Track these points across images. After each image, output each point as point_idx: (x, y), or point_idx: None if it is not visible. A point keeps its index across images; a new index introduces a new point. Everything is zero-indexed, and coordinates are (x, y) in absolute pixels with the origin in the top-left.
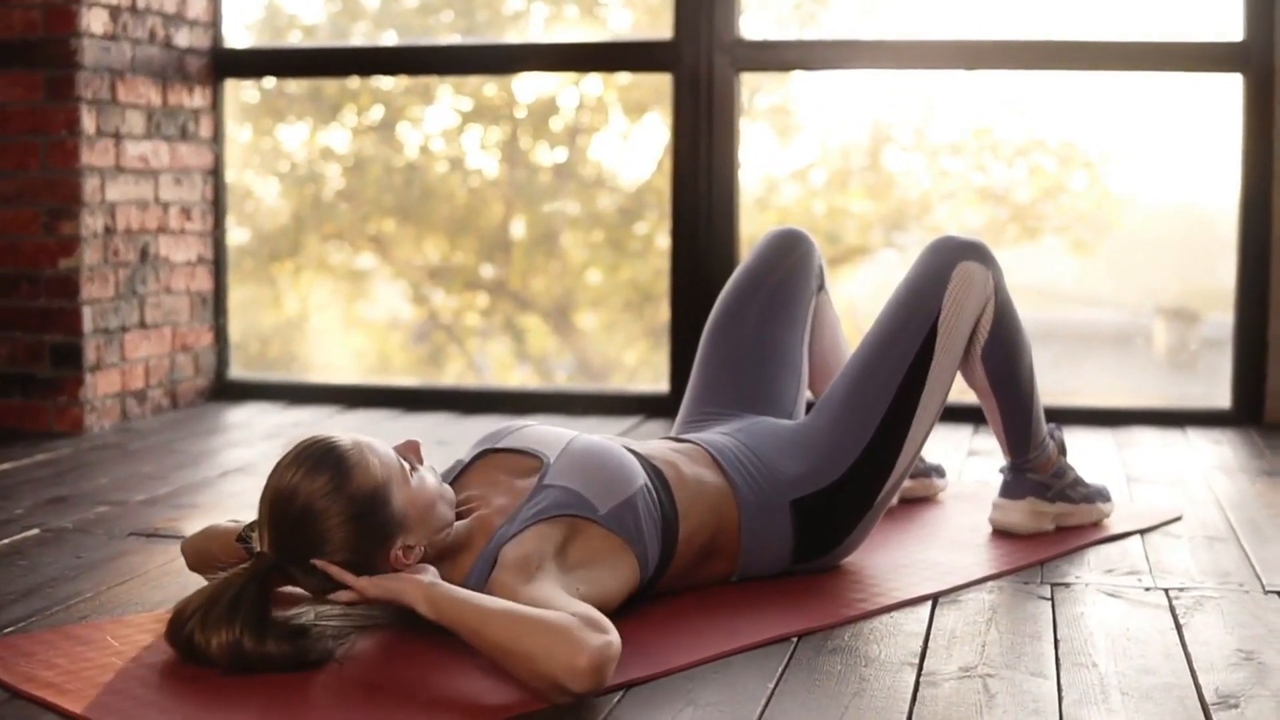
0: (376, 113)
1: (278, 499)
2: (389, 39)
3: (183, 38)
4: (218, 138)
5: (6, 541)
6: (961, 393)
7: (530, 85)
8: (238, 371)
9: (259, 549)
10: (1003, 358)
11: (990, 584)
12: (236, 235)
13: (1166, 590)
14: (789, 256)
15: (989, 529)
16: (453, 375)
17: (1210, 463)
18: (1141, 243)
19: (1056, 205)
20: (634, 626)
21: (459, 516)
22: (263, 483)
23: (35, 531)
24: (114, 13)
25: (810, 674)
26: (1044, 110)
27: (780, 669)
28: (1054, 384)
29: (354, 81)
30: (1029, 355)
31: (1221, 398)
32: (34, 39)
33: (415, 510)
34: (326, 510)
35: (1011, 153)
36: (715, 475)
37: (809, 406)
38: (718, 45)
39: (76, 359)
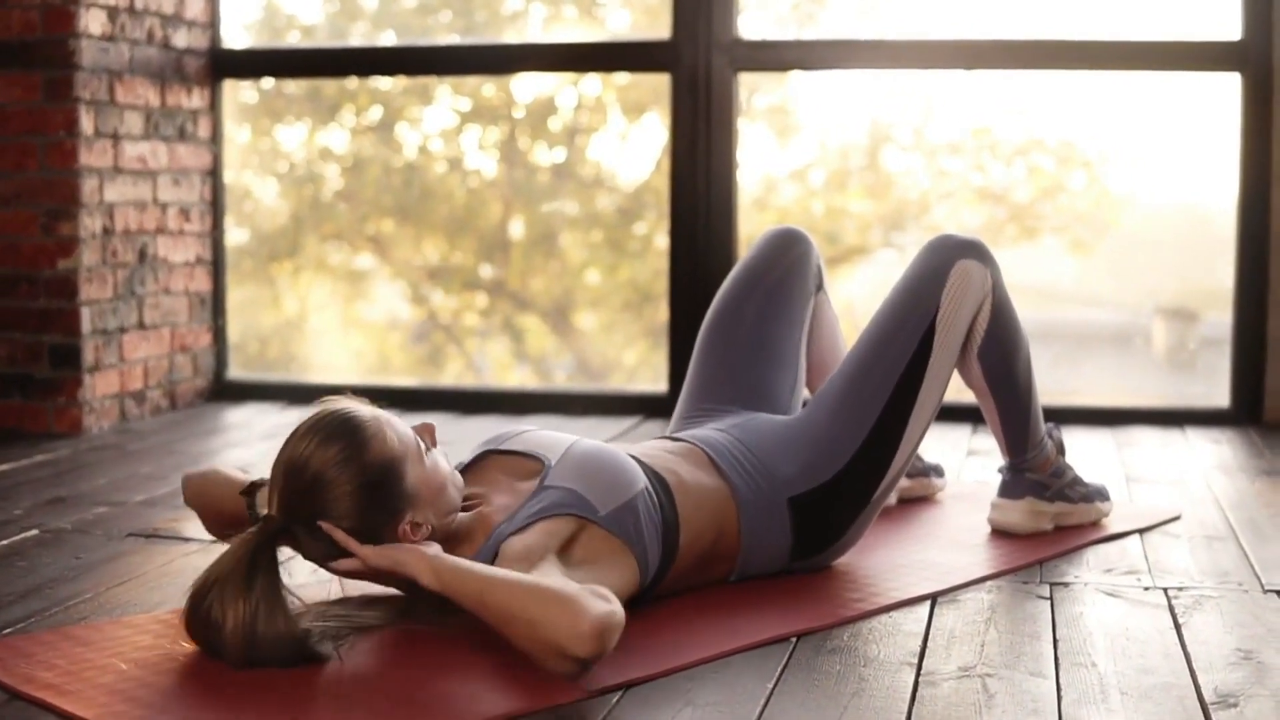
0: (375, 113)
1: (291, 464)
2: (387, 39)
3: (181, 38)
4: (216, 138)
5: (5, 542)
6: (960, 392)
7: (529, 85)
8: (236, 372)
9: (267, 511)
10: (1000, 356)
11: (989, 584)
12: (235, 236)
13: (1165, 590)
14: (787, 255)
15: (988, 529)
16: (452, 375)
17: (1209, 462)
18: (1140, 242)
19: (1055, 205)
20: (633, 626)
21: (463, 510)
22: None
23: (34, 532)
24: (112, 13)
25: (809, 674)
26: (1043, 110)
27: (779, 669)
28: (1053, 384)
29: (352, 82)
30: (1027, 355)
31: (1220, 397)
32: (32, 40)
33: (427, 490)
34: (338, 478)
35: (1010, 152)
36: (714, 478)
37: (805, 404)
38: (716, 45)
39: (75, 360)
